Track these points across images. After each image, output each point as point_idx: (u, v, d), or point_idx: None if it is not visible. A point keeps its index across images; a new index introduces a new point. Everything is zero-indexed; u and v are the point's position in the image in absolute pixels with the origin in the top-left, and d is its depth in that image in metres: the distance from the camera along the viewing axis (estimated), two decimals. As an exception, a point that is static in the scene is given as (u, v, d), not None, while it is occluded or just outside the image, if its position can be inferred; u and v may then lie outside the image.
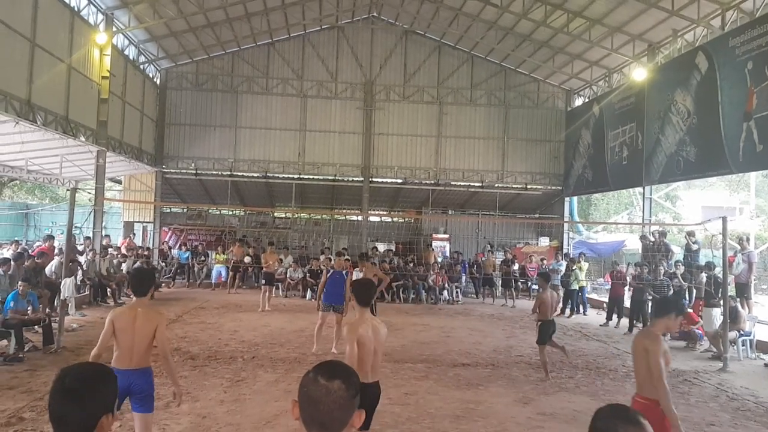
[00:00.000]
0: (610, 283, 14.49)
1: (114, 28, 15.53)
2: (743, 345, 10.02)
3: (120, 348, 3.96)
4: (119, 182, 22.88)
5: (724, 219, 9.73)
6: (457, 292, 17.46)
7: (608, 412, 1.80)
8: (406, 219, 23.56)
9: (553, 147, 21.64)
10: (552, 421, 6.15)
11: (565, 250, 20.04)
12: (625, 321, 13.01)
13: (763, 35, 11.18)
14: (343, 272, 9.67)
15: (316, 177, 21.28)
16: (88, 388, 1.65)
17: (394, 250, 20.45)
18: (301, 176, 21.11)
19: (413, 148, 21.32)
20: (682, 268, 12.33)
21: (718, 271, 10.59)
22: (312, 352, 8.86)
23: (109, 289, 13.63)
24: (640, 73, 15.83)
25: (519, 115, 21.57)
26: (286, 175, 20.99)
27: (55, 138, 12.15)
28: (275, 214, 23.12)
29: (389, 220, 24.11)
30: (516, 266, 17.81)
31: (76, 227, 14.79)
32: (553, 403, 6.78)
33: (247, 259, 17.69)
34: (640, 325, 12.47)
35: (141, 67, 18.74)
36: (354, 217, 23.29)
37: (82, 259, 13.39)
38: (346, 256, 15.95)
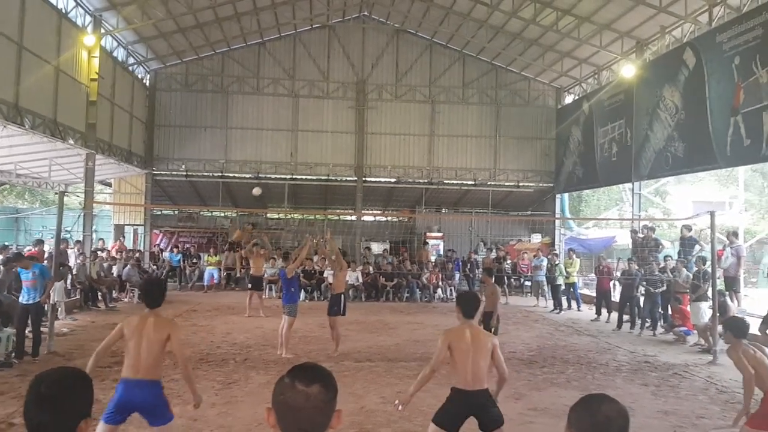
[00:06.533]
0: (596, 277, 14.56)
1: (102, 30, 15.42)
2: (733, 338, 10.09)
3: (128, 356, 3.85)
4: (109, 185, 22.79)
5: (712, 213, 9.81)
6: (450, 290, 17.51)
7: (584, 398, 1.82)
8: (400, 218, 23.58)
9: (544, 144, 21.73)
10: (543, 416, 6.19)
11: (556, 247, 20.11)
12: (614, 315, 13.06)
13: (750, 30, 11.28)
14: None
15: (308, 177, 21.24)
16: (64, 393, 1.63)
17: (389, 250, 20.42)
18: (294, 176, 21.07)
19: (406, 147, 21.33)
20: (672, 262, 12.41)
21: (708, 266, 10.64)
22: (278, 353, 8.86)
23: (99, 293, 13.57)
24: (628, 70, 15.91)
25: (510, 113, 21.63)
26: (278, 176, 20.93)
27: (44, 141, 12.11)
28: (268, 214, 23.05)
29: (383, 219, 24.12)
30: (508, 263, 17.88)
31: (65, 231, 14.72)
32: (545, 399, 6.82)
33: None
34: (629, 320, 12.54)
35: (130, 68, 18.64)
36: (348, 217, 23.28)
37: (71, 262, 13.30)
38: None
